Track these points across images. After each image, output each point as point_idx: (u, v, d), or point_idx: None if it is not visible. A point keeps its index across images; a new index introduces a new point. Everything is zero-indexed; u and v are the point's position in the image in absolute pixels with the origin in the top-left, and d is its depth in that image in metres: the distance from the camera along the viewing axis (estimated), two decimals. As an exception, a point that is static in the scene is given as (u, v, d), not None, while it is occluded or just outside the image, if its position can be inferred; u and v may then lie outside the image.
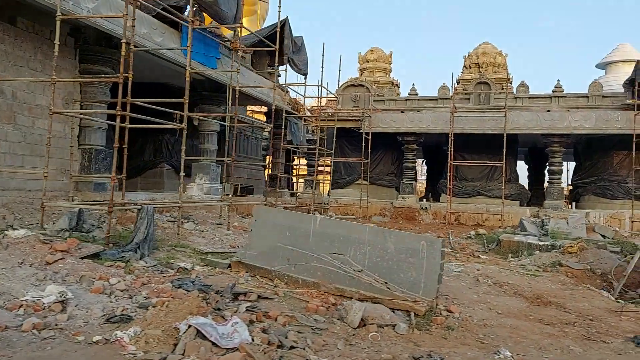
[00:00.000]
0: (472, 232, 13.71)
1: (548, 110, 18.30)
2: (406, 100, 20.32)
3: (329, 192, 24.24)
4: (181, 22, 9.42)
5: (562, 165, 19.02)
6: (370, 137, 19.54)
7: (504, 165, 18.04)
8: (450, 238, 12.91)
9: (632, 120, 16.86)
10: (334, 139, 21.01)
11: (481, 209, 19.20)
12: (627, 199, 19.46)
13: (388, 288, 5.98)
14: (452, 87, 19.07)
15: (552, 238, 11.31)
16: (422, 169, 29.72)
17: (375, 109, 20.17)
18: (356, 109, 20.02)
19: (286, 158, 21.26)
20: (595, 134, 17.77)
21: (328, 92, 18.19)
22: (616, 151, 19.51)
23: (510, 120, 18.35)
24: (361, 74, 24.24)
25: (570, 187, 23.83)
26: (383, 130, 19.86)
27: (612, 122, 17.32)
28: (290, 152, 22.58)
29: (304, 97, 16.08)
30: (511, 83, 22.59)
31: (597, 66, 23.55)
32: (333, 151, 19.57)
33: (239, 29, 11.41)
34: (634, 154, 16.71)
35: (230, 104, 11.41)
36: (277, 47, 11.70)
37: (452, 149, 18.44)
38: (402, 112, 20.12)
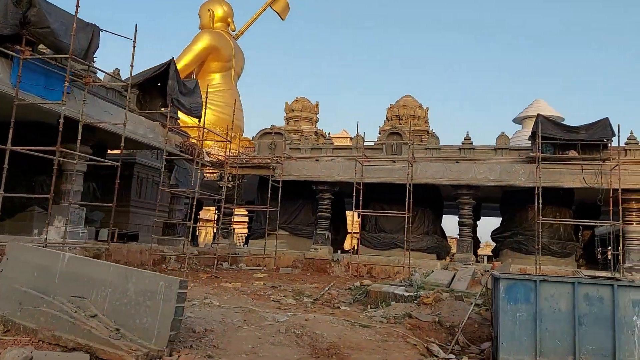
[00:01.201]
0: (357, 284, 13.02)
1: (457, 162, 18.18)
2: (321, 148, 20.07)
3: (246, 242, 23.50)
4: (10, 52, 8.97)
5: (472, 218, 18.70)
6: (280, 185, 19.11)
7: (410, 216, 17.67)
8: (327, 288, 12.20)
9: (534, 173, 16.78)
10: (257, 187, 20.49)
11: (393, 262, 18.58)
12: (542, 255, 19.12)
13: (120, 335, 5.23)
14: (363, 136, 18.93)
15: (419, 289, 10.70)
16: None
17: (290, 157, 19.84)
18: (269, 157, 19.65)
19: (197, 206, 20.56)
20: (499, 186, 17.62)
21: (238, 139, 17.84)
22: (531, 205, 19.31)
23: (418, 170, 18.17)
24: (287, 123, 24.14)
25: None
26: (295, 178, 19.44)
27: (515, 175, 17.23)
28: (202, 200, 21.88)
29: (201, 140, 15.59)
30: (431, 135, 22.70)
31: (513, 121, 23.94)
32: (256, 199, 19.04)
33: (95, 63, 11.00)
34: (536, 207, 16.48)
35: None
36: (128, 84, 11.28)
37: (361, 198, 18.06)
38: (316, 160, 19.81)
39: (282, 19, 36.23)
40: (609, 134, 16.10)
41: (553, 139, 16.71)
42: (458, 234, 18.63)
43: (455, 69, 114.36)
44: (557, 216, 19.24)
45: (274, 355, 5.87)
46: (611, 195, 15.77)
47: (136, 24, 10.84)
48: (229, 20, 34.74)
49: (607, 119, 16.39)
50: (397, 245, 20.45)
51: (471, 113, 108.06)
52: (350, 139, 21.10)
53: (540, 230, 19.29)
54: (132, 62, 10.69)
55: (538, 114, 16.90)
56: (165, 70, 13.76)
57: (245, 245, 21.48)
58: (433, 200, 20.67)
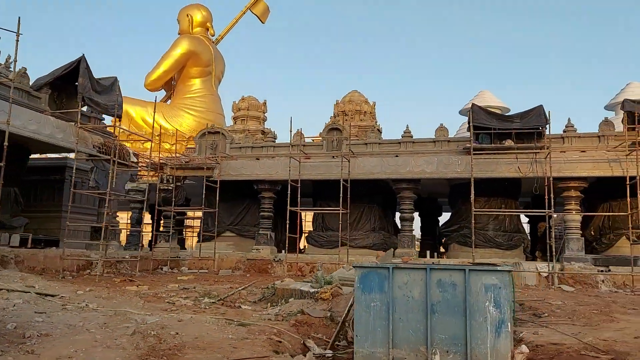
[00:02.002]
0: (277, 282, 12.57)
1: (396, 156, 17.85)
2: (262, 147, 19.64)
3: (196, 245, 22.96)
4: None
5: (413, 212, 18.36)
6: (218, 186, 18.66)
7: (347, 212, 17.31)
8: (241, 288, 11.75)
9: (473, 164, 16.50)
10: (203, 189, 19.95)
11: (334, 260, 18.17)
12: (488, 247, 18.89)
13: None
14: (301, 132, 18.54)
15: (324, 285, 10.29)
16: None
17: (230, 156, 19.38)
18: (207, 157, 19.18)
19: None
20: (436, 178, 17.30)
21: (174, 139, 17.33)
22: (477, 197, 19.04)
23: (357, 166, 17.81)
24: (234, 122, 23.69)
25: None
26: (233, 178, 18.99)
27: (452, 167, 16.92)
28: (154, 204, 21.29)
29: (118, 141, 15.06)
30: (379, 131, 22.38)
31: (460, 113, 23.76)
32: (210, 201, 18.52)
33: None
34: (472, 199, 16.18)
35: None
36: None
37: (299, 196, 17.67)
38: (257, 159, 19.37)
39: (263, 22, 35.91)
40: (542, 121, 15.87)
41: (488, 128, 16.45)
42: (400, 229, 18.27)
43: (409, 64, 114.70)
44: (502, 207, 18.97)
45: (96, 358, 5.41)
46: (545, 184, 15.53)
47: (19, 17, 10.30)
48: (208, 25, 34.54)
49: (541, 106, 16.16)
50: (344, 243, 20.06)
51: (424, 107, 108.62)
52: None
53: (490, 223, 19.27)
54: (16, 57, 10.21)
55: (472, 104, 16.64)
56: (75, 68, 13.25)
57: (191, 250, 20.95)
58: (381, 196, 20.32)
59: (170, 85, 34.48)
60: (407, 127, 18.51)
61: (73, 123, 13.68)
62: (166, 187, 19.73)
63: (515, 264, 16.57)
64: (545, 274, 16.13)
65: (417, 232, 26.53)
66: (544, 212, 15.61)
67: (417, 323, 5.98)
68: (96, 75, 13.70)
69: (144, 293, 10.56)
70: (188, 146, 21.03)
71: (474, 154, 16.44)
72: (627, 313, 8.76)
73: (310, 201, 21.45)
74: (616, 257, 16.03)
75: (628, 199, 15.13)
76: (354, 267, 6.38)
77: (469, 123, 16.58)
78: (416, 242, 28.19)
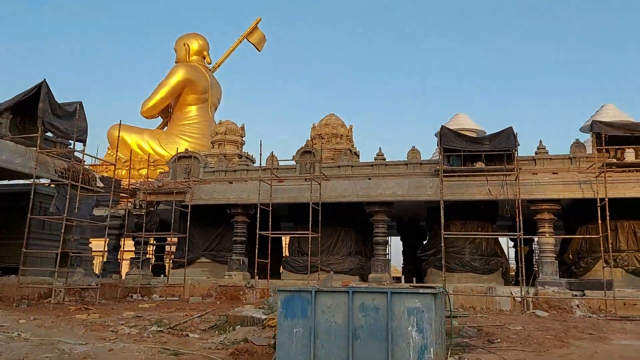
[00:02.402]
0: (236, 309, 12.22)
1: (369, 179, 17.69)
2: (235, 170, 19.46)
3: (169, 271, 22.57)
4: None
5: (387, 236, 18.08)
6: (189, 211, 18.42)
7: (318, 236, 17.05)
8: (196, 316, 11.40)
9: (444, 186, 16.33)
10: (173, 214, 19.66)
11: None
12: (465, 271, 18.55)
13: None
14: (271, 155, 18.40)
15: (275, 310, 9.96)
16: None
17: (203, 180, 19.19)
18: (180, 182, 18.98)
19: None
20: (408, 200, 17.07)
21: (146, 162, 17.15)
22: (452, 221, 18.81)
23: (329, 189, 17.62)
24: (212, 146, 23.58)
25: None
26: (206, 202, 18.74)
27: (423, 189, 16.73)
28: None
29: (84, 164, 14.87)
30: (356, 154, 22.27)
31: (435, 135, 23.47)
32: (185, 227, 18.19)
33: None
34: (442, 221, 15.95)
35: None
36: None
37: (270, 220, 17.42)
38: (230, 183, 19.18)
39: (259, 51, 36.58)
40: (512, 143, 15.76)
41: (458, 150, 16.34)
42: (374, 253, 17.95)
43: (388, 88, 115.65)
44: (478, 231, 18.69)
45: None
46: (516, 207, 15.34)
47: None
48: (205, 53, 35.17)
49: (510, 128, 16.08)
50: (320, 268, 19.72)
51: (403, 130, 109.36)
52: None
53: (466, 247, 18.96)
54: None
55: (442, 127, 16.56)
56: (36, 93, 13.15)
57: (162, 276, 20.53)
58: (357, 219, 20.05)
59: (167, 112, 34.87)
60: (380, 149, 18.42)
61: (33, 149, 13.50)
62: (138, 213, 19.46)
63: (489, 288, 16.25)
64: (519, 299, 15.79)
65: (400, 256, 26.34)
66: (514, 235, 15.35)
67: (340, 349, 5.69)
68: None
69: (91, 322, 10.21)
70: (162, 171, 20.85)
71: (445, 176, 16.28)
72: (581, 338, 8.46)
73: (291, 225, 21.16)
74: (591, 281, 15.71)
75: (599, 222, 14.90)
76: (278, 291, 6.12)
77: (438, 145, 16.46)
78: (399, 267, 27.88)
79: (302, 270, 19.80)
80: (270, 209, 17.44)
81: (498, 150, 15.79)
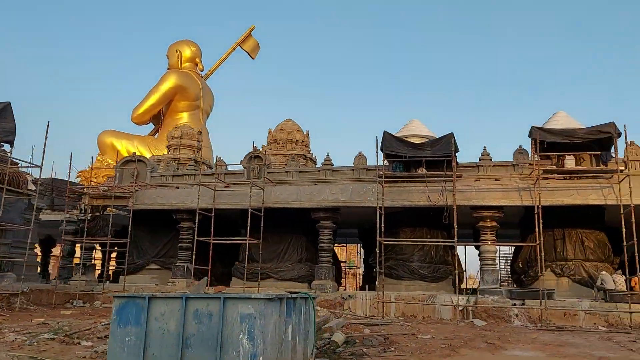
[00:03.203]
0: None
1: (315, 184, 17.42)
2: (183, 175, 19.14)
3: (110, 277, 22.21)
4: None
5: (332, 242, 17.78)
6: (131, 216, 18.05)
7: (259, 242, 16.73)
8: (103, 323, 11.03)
9: (386, 193, 16.09)
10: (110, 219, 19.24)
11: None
12: (413, 279, 18.26)
13: None
14: (215, 159, 18.10)
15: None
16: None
17: (149, 185, 18.84)
18: (125, 186, 18.63)
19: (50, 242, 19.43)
20: (350, 207, 16.79)
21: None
22: (402, 228, 18.56)
23: (274, 194, 17.32)
24: (168, 151, 23.27)
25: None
26: (149, 207, 18.39)
27: (366, 195, 16.47)
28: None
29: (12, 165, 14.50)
30: (312, 160, 22.04)
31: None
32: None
33: None
34: (381, 228, 15.69)
35: None
36: None
37: (212, 225, 17.07)
38: (177, 187, 18.85)
39: (253, 58, 36.70)
40: (451, 150, 15.56)
41: (399, 156, 16.12)
42: (319, 260, 17.63)
43: (346, 95, 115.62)
44: (427, 237, 18.44)
45: None
46: (455, 213, 15.11)
47: None
48: (197, 60, 35.23)
49: (451, 134, 15.89)
50: (269, 275, 19.38)
51: (361, 136, 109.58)
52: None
53: (415, 254, 18.68)
54: None
55: (384, 132, 16.33)
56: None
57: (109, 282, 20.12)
58: (308, 226, 19.75)
59: (158, 119, 34.77)
60: (328, 155, 18.19)
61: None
62: (83, 218, 19.09)
63: (430, 296, 15.97)
64: (461, 308, 15.52)
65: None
66: (450, 242, 15.12)
67: (171, 359, 5.37)
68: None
69: (-9, 328, 9.83)
70: (109, 175, 20.50)
71: (388, 182, 16.06)
72: (476, 348, 8.18)
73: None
74: (533, 291, 15.45)
75: (536, 229, 14.69)
76: (113, 297, 5.81)
77: (381, 150, 16.22)
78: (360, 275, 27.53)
79: (251, 277, 19.46)
80: (213, 214, 17.11)
81: (438, 157, 15.59)
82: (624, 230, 14.14)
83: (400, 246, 18.29)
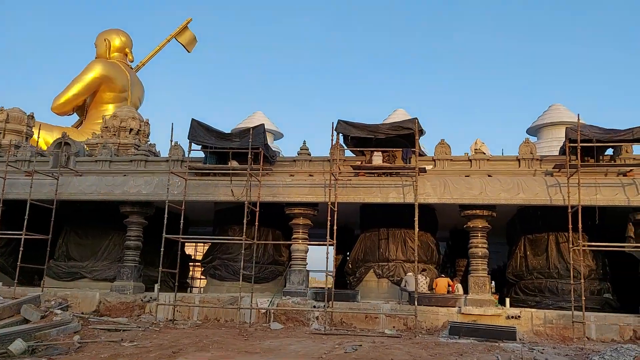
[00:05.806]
0: None
1: (124, 175, 15.86)
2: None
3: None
4: None
5: (139, 240, 16.15)
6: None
7: (48, 238, 15.00)
8: None
9: (193, 187, 14.84)
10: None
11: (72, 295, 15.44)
12: (236, 280, 17.07)
13: None
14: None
15: None
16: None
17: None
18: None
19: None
20: (152, 200, 15.40)
21: None
22: (234, 225, 17.31)
23: (72, 185, 15.61)
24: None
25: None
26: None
27: (171, 188, 15.07)
28: None
29: None
30: (152, 152, 20.44)
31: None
32: None
33: None
34: (181, 226, 14.42)
35: None
36: None
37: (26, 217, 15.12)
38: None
39: (189, 52, 34.85)
40: (261, 141, 14.54)
41: (206, 146, 14.93)
42: (122, 259, 16.07)
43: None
44: (266, 236, 17.37)
45: None
46: (257, 210, 14.12)
47: None
48: (127, 50, 32.87)
49: (262, 125, 14.94)
50: (83, 275, 17.61)
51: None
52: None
53: (238, 253, 17.36)
54: None
55: (192, 119, 15.03)
56: None
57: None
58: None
59: (83, 110, 32.02)
60: (151, 145, 16.72)
61: None
62: None
63: (231, 298, 14.89)
64: (263, 310, 14.53)
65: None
66: (249, 242, 14.11)
67: None
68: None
69: None
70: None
71: (195, 175, 14.82)
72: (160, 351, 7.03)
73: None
74: (341, 293, 14.71)
75: (328, 224, 13.87)
76: None
77: (188, 139, 14.94)
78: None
79: (64, 276, 17.66)
80: (0, 205, 15.15)
81: (246, 148, 14.49)
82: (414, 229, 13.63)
83: (227, 245, 17.12)
